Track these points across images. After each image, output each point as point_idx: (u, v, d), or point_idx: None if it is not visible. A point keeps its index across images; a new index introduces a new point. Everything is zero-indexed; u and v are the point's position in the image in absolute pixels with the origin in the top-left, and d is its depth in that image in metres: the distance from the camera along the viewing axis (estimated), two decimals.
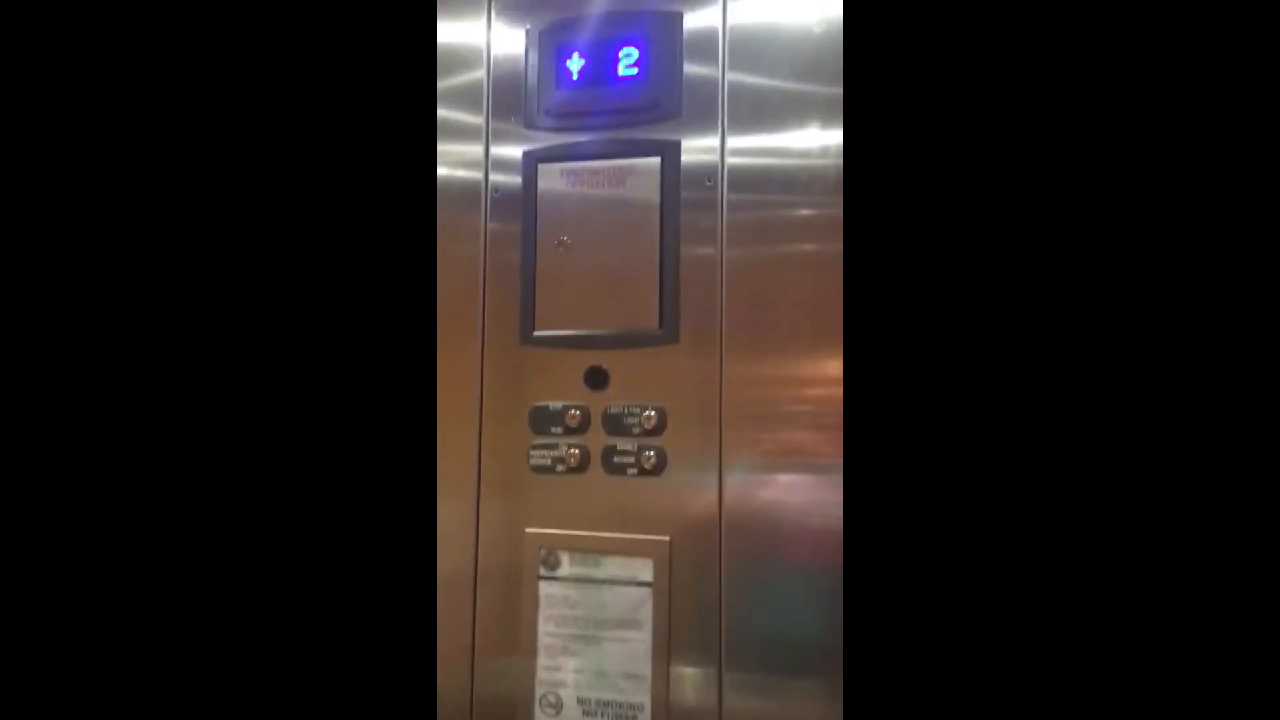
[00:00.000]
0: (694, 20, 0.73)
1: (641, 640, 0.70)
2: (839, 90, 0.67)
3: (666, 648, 0.69)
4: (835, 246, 0.66)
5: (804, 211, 0.69)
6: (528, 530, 0.73)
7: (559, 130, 0.75)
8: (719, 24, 0.72)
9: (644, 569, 0.71)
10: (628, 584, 0.71)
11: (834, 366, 0.67)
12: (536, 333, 0.74)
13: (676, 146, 0.72)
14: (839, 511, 0.65)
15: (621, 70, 0.74)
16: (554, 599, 0.72)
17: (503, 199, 0.76)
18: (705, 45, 0.72)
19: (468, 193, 0.77)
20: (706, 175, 0.71)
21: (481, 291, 0.76)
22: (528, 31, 0.77)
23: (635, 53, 0.74)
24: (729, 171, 0.71)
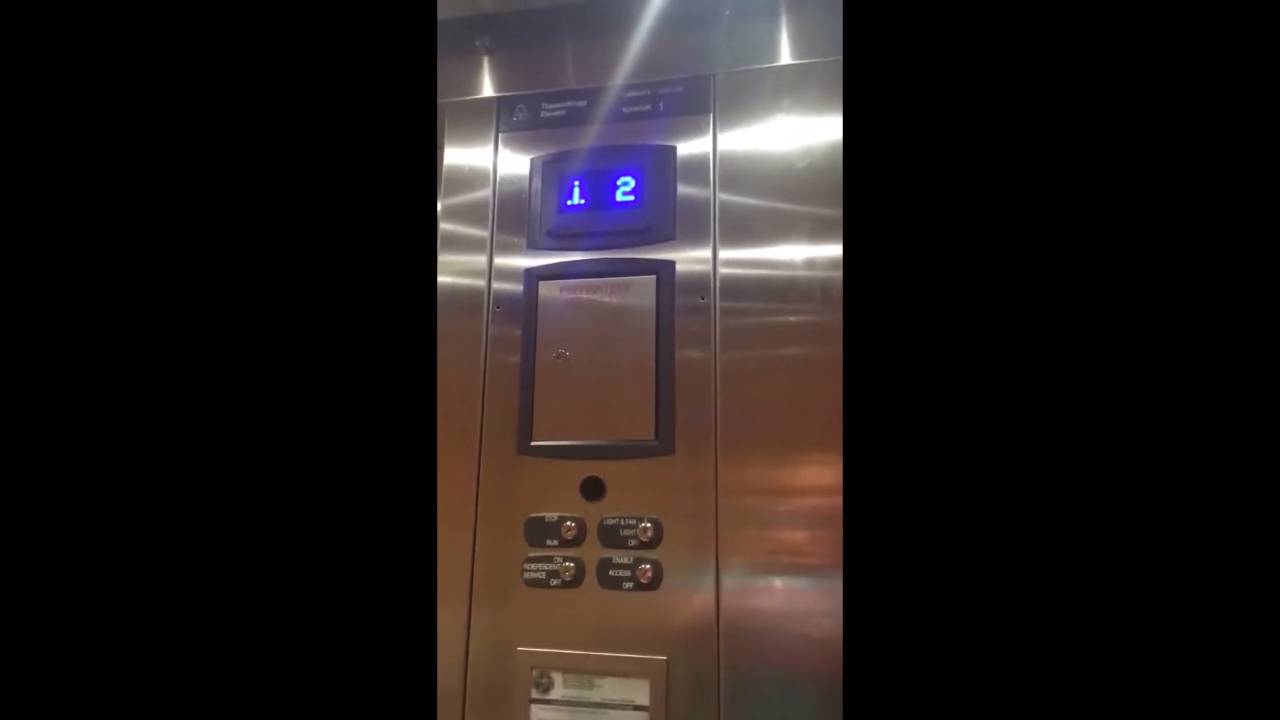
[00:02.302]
0: (687, 149, 0.78)
1: None
2: (822, 209, 0.72)
3: None
4: (820, 351, 0.69)
5: (792, 318, 0.71)
6: (520, 649, 0.70)
7: (559, 250, 0.79)
8: (710, 150, 0.77)
9: (640, 691, 0.67)
10: (623, 708, 0.68)
11: (828, 472, 0.67)
12: (534, 443, 0.74)
13: (671, 266, 0.75)
14: (837, 620, 0.64)
15: (619, 196, 0.79)
16: None
17: (504, 308, 0.79)
18: (698, 169, 0.77)
19: (471, 300, 0.80)
20: (700, 288, 0.74)
21: (482, 398, 0.77)
22: (532, 160, 0.82)
23: (632, 181, 0.79)
24: (721, 281, 0.74)
